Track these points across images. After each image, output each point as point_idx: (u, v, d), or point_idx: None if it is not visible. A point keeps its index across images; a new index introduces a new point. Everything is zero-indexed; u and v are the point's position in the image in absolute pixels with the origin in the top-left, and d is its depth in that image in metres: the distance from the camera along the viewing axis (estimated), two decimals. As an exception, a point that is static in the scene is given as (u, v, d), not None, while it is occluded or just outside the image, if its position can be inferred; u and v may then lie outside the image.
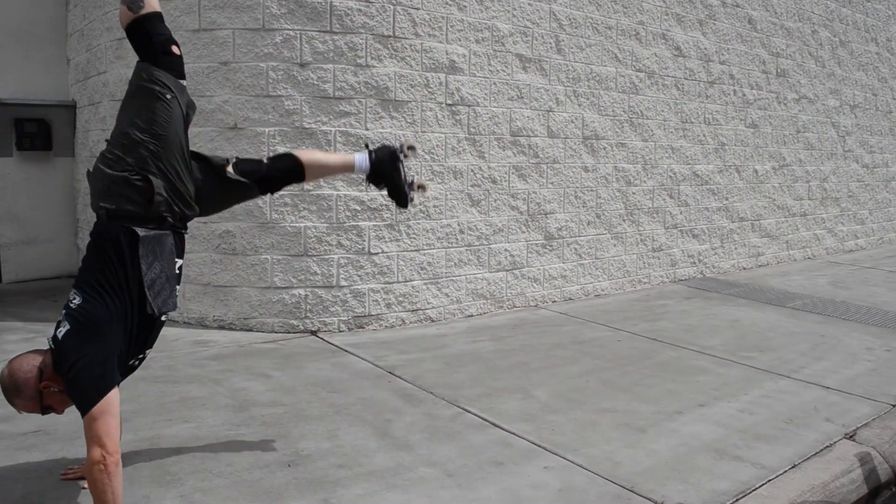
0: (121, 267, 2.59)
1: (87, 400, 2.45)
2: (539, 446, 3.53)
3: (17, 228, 6.98)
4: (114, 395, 2.50)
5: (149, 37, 2.60)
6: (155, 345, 5.07)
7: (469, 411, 3.94)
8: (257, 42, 5.20)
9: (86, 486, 3.02)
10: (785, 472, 3.36)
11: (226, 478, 3.10)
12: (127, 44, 5.62)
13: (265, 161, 3.14)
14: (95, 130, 6.29)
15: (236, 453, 3.34)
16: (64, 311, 2.57)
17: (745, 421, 3.93)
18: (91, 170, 2.73)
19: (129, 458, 3.29)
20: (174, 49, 2.64)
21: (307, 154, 3.26)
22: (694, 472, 3.31)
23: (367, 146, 3.33)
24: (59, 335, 2.51)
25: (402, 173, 3.24)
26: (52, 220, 7.14)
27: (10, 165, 6.85)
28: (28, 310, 5.99)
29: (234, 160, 3.05)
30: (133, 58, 5.63)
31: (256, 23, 5.19)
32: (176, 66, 2.68)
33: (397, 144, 3.27)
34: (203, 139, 5.31)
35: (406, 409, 3.94)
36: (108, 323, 2.54)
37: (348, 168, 3.28)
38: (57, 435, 3.53)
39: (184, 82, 2.76)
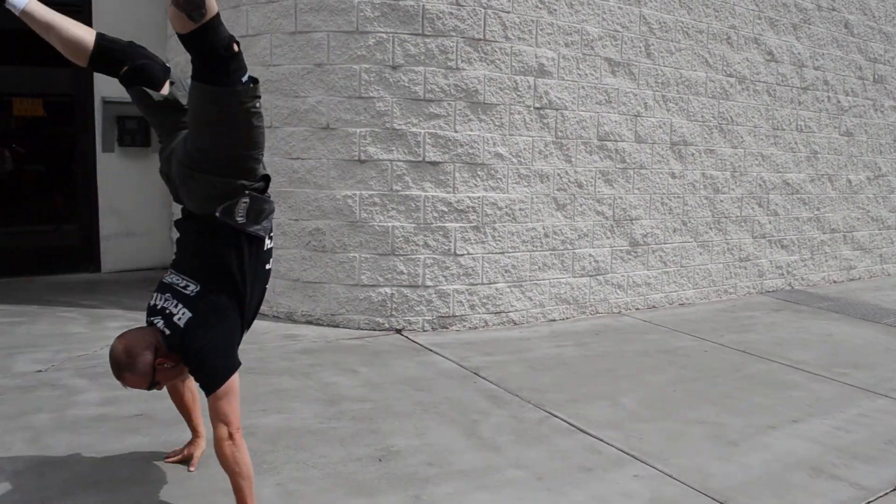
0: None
1: (215, 381, 2.57)
2: (628, 454, 3.49)
3: (116, 221, 7.30)
4: (236, 375, 2.65)
5: (212, 46, 2.29)
6: (246, 336, 5.25)
7: (556, 416, 3.93)
8: (351, 44, 5.31)
9: (192, 468, 3.14)
10: (887, 493, 3.24)
11: (320, 469, 3.17)
12: (226, 45, 5.85)
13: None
14: (193, 129, 6.52)
15: (329, 446, 3.42)
16: (175, 298, 2.64)
17: (843, 439, 3.80)
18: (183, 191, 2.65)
19: (226, 446, 3.41)
20: (236, 47, 2.35)
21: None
22: (789, 489, 3.23)
23: None
24: (180, 321, 2.58)
25: None
26: (149, 213, 7.43)
27: (112, 161, 7.17)
28: (126, 298, 6.26)
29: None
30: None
31: (350, 25, 5.30)
32: (243, 65, 2.41)
33: None
34: (296, 139, 5.45)
35: (492, 411, 3.95)
36: (230, 308, 2.67)
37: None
38: (159, 419, 3.68)
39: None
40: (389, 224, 5.37)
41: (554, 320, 5.99)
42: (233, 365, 2.66)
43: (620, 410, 4.06)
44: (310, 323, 5.53)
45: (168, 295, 2.66)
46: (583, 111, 6.02)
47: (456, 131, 5.42)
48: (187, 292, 2.64)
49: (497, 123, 5.55)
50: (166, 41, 7.40)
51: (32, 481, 2.99)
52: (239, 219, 2.62)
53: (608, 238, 6.28)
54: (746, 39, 7.16)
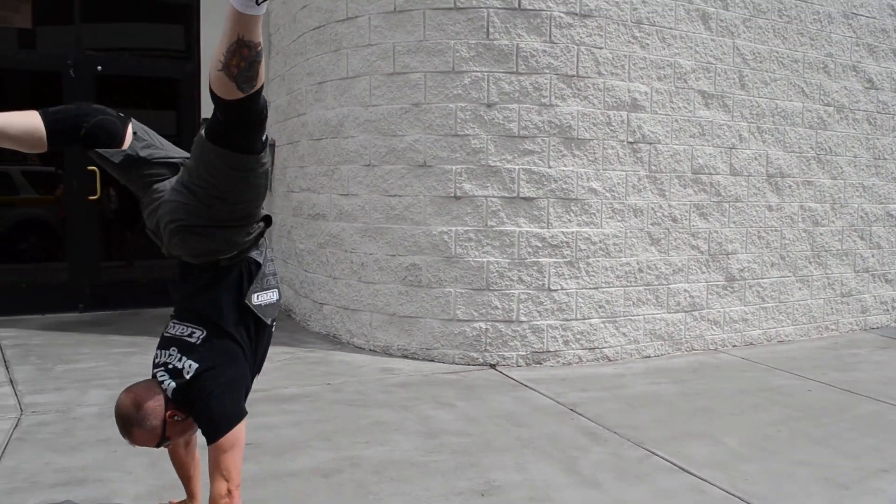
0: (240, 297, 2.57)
1: (220, 429, 2.43)
2: (734, 495, 3.42)
3: (219, 255, 7.62)
4: (243, 427, 2.50)
5: (250, 114, 2.21)
6: (344, 369, 5.40)
7: (656, 454, 3.89)
8: (447, 84, 5.46)
9: None
10: None
11: (425, 501, 3.24)
12: (327, 87, 6.11)
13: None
14: (293, 167, 6.79)
15: (432, 478, 3.48)
16: (181, 351, 2.49)
17: (965, 485, 3.62)
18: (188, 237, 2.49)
19: (332, 475, 3.52)
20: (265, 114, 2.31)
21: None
22: (910, 536, 3.10)
23: None
24: (188, 373, 2.44)
25: None
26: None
27: (216, 198, 7.50)
28: (230, 331, 6.52)
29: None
30: (331, 100, 6.05)
31: (447, 66, 5.45)
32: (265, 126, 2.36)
33: None
34: (394, 176, 5.61)
35: (591, 448, 3.94)
36: (238, 354, 2.54)
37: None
38: (267, 448, 3.82)
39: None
40: (484, 259, 5.45)
41: (648, 357, 5.92)
42: (239, 413, 2.50)
43: (723, 450, 3.98)
44: (405, 357, 5.64)
45: (174, 349, 2.50)
46: (676, 144, 5.99)
47: (550, 167, 5.48)
48: (192, 340, 2.50)
49: (590, 158, 5.59)
50: (268, 84, 7.74)
51: (156, 505, 3.16)
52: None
53: (703, 273, 6.19)
54: (844, 67, 6.99)
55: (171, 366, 2.47)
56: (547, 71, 5.45)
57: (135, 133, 2.58)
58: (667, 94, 5.93)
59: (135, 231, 7.78)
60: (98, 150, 2.50)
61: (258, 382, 5.08)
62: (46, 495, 3.21)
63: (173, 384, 2.44)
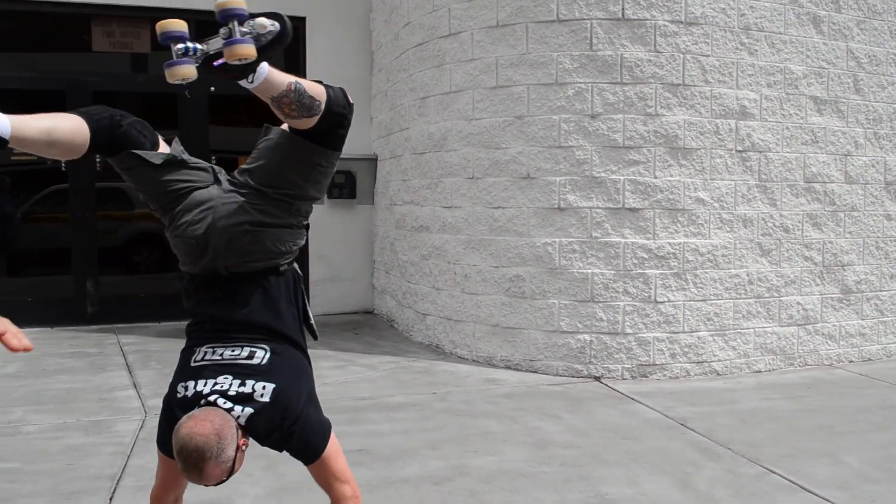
0: (294, 306, 2.43)
1: (322, 442, 2.29)
2: (861, 517, 3.28)
3: (324, 267, 7.86)
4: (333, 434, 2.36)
5: (339, 113, 2.26)
6: (449, 379, 5.45)
7: (774, 472, 3.76)
8: (550, 96, 5.47)
9: None
10: None
11: (537, 513, 3.24)
12: (430, 102, 6.22)
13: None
14: (396, 181, 6.94)
15: (542, 490, 3.48)
16: (241, 376, 2.21)
17: None
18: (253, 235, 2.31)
19: (443, 483, 3.56)
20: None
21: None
22: None
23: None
24: (260, 393, 2.19)
25: None
26: (354, 260, 7.95)
27: (322, 212, 7.75)
28: (336, 340, 6.70)
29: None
30: (434, 114, 6.16)
31: (550, 78, 5.47)
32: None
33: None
34: (497, 188, 5.66)
35: (705, 464, 3.85)
36: (305, 362, 2.41)
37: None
38: (378, 454, 3.91)
39: None
40: (589, 271, 5.41)
41: (759, 371, 5.73)
42: (328, 421, 2.35)
43: (845, 469, 3.82)
44: (508, 368, 5.66)
45: (226, 376, 2.20)
46: (788, 152, 5.80)
47: (655, 177, 5.40)
48: (255, 361, 2.25)
49: (697, 168, 5.48)
50: (370, 100, 7.95)
51: (277, 507, 3.29)
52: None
53: (817, 285, 5.95)
54: (972, 70, 6.60)
55: (231, 392, 2.16)
56: (652, 80, 5.39)
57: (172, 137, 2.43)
58: (777, 101, 5.75)
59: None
60: (136, 151, 2.24)
61: (364, 391, 5.21)
62: (176, 494, 3.38)
63: (249, 410, 2.15)
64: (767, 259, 5.74)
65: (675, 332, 5.44)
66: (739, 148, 5.62)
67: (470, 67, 5.81)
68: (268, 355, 2.26)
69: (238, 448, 2.11)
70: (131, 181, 2.33)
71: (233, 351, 2.26)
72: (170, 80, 2.03)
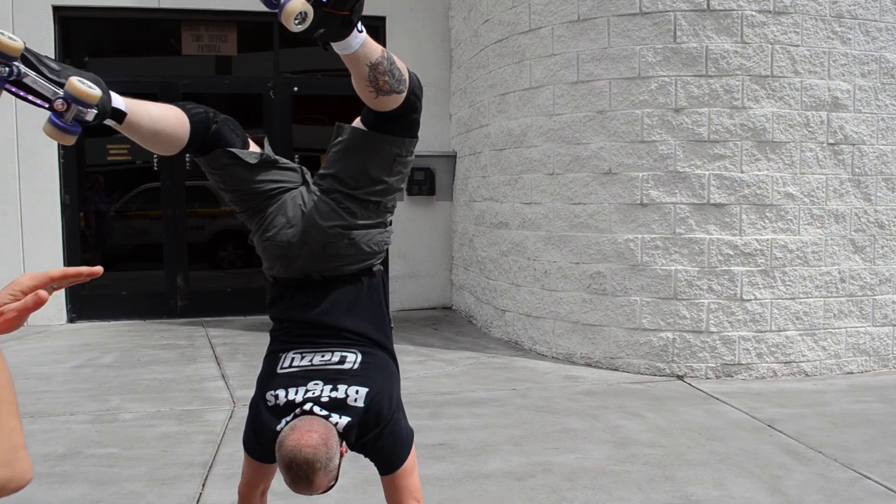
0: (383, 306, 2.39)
1: (404, 451, 2.21)
2: (965, 527, 3.13)
3: (404, 263, 7.96)
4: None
5: (416, 103, 2.20)
6: (530, 375, 5.44)
7: (868, 477, 3.62)
8: (632, 90, 5.39)
9: None
10: None
11: (621, 512, 3.21)
12: (510, 98, 6.22)
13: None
14: (475, 178, 6.96)
15: (626, 489, 3.45)
16: (320, 377, 2.16)
17: None
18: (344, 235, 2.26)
19: (525, 479, 3.57)
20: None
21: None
22: None
23: None
24: (353, 398, 2.13)
25: None
26: (432, 256, 8.01)
27: (401, 208, 7.84)
28: (416, 335, 6.78)
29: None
30: (514, 110, 6.15)
31: (632, 72, 5.39)
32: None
33: None
34: (578, 184, 5.61)
35: (794, 467, 3.74)
36: (394, 368, 2.34)
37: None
38: (459, 449, 3.94)
39: None
40: (672, 268, 5.32)
41: (851, 373, 5.52)
42: (412, 431, 2.28)
43: (948, 477, 3.64)
44: (589, 365, 5.61)
45: (317, 381, 2.15)
46: (883, 145, 5.56)
47: (742, 171, 5.26)
48: (346, 366, 2.19)
49: (787, 162, 5.31)
50: (449, 97, 8.00)
51: (358, 497, 3.35)
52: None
53: (916, 283, 5.69)
54: None
55: (324, 399, 2.10)
56: (738, 72, 5.25)
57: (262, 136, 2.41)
58: (872, 92, 5.52)
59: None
60: (231, 149, 2.18)
61: (444, 385, 5.25)
62: (266, 482, 3.49)
63: (347, 418, 2.08)
64: (861, 256, 5.52)
65: (761, 331, 5.29)
66: (831, 141, 5.41)
67: (550, 63, 5.78)
68: (359, 359, 2.20)
69: (341, 455, 2.06)
70: (221, 181, 2.25)
71: (323, 356, 2.21)
72: (285, 20, 1.74)
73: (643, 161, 5.36)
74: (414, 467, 2.22)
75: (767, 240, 5.28)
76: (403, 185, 2.37)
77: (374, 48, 2.01)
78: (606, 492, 3.42)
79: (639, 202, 5.38)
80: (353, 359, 2.19)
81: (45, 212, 7.36)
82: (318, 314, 2.24)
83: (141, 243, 8.21)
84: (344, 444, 2.10)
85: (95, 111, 1.76)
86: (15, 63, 1.67)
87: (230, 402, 4.78)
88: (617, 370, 5.48)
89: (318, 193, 2.25)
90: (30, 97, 1.72)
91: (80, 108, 1.72)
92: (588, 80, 5.56)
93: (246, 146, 2.24)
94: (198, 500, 3.35)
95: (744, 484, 3.52)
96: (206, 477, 3.60)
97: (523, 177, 6.05)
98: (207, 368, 5.64)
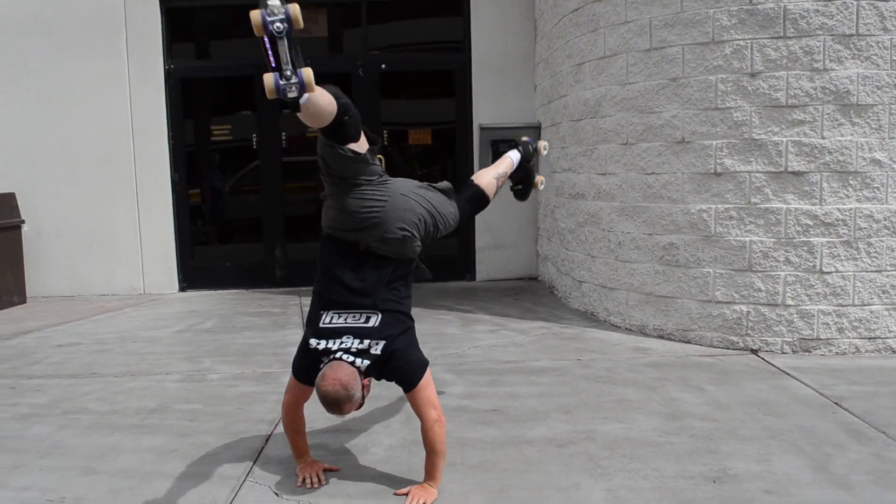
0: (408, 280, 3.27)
1: (417, 373, 3.00)
2: None
3: (489, 235, 8.07)
4: (429, 370, 3.07)
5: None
6: (597, 346, 5.45)
7: (930, 458, 3.46)
8: (706, 56, 5.23)
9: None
10: None
11: (651, 481, 3.24)
12: (585, 68, 6.16)
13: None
14: (556, 148, 6.95)
15: (664, 460, 3.46)
16: (359, 336, 2.95)
17: None
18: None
19: (566, 446, 3.64)
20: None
21: (483, 178, 3.69)
22: None
23: (516, 143, 3.90)
24: (374, 348, 2.93)
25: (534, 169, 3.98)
26: (517, 228, 8.07)
27: (486, 180, 7.94)
28: (495, 305, 6.90)
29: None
30: (590, 80, 6.10)
31: (706, 37, 5.22)
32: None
33: (532, 143, 4.00)
34: (651, 154, 5.52)
35: (850, 446, 3.61)
36: (410, 324, 3.15)
37: (510, 167, 3.85)
38: (511, 415, 4.05)
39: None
40: (746, 238, 5.16)
41: (949, 349, 5.19)
42: (425, 360, 3.07)
43: None
44: (661, 337, 5.55)
45: (347, 336, 2.92)
46: None
47: (823, 137, 5.01)
48: (370, 324, 2.96)
49: (874, 126, 5.01)
50: (534, 68, 7.98)
51: (404, 456, 3.54)
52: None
53: None
54: None
55: (353, 349, 2.90)
56: (820, 32, 4.98)
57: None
58: (979, 47, 5.09)
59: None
60: (350, 147, 2.86)
61: (510, 354, 5.36)
62: (319, 439, 3.75)
63: (367, 362, 2.90)
64: (961, 225, 5.14)
65: (843, 305, 5.06)
66: (928, 102, 5.05)
67: (623, 30, 5.68)
68: (380, 318, 2.99)
69: (363, 387, 2.89)
70: (326, 154, 2.90)
71: (354, 318, 2.99)
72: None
73: (717, 129, 5.20)
74: (428, 384, 3.01)
75: (851, 209, 5.02)
76: (441, 232, 3.30)
77: (325, 115, 2.70)
78: (643, 461, 3.44)
79: (713, 171, 5.23)
80: (375, 319, 2.98)
81: (157, 189, 7.95)
82: (355, 279, 3.02)
83: (250, 217, 8.69)
84: (368, 378, 2.94)
85: (300, 95, 2.41)
86: (287, 27, 2.37)
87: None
88: (689, 342, 5.39)
89: (405, 191, 3.10)
90: (270, 54, 2.37)
91: (296, 86, 2.37)
92: (661, 48, 5.43)
93: (358, 138, 2.87)
94: (259, 452, 3.65)
95: (790, 460, 3.45)
96: (271, 434, 3.89)
97: (598, 147, 6.00)
98: (294, 334, 5.99)
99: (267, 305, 7.32)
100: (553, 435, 3.79)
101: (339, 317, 2.98)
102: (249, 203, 8.41)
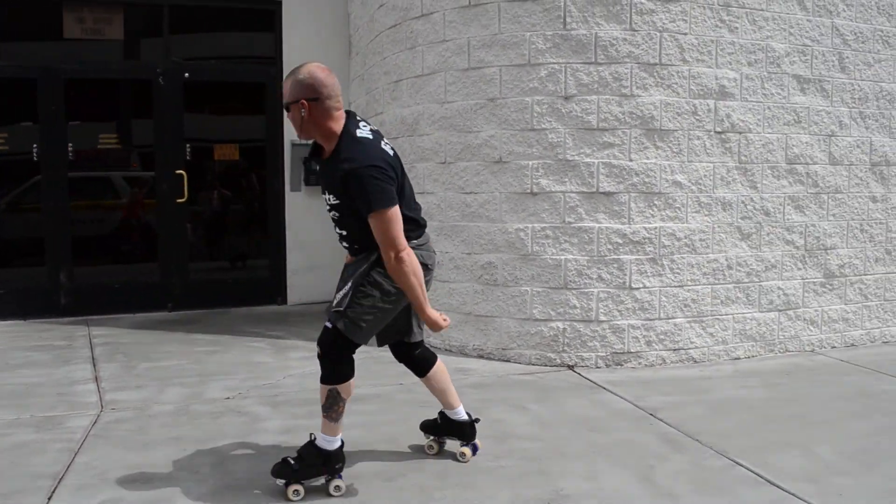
0: None
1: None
2: (825, 512, 3.15)
3: (302, 256, 7.73)
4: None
5: None
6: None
7: (740, 464, 3.63)
8: (523, 77, 5.31)
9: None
10: None
11: (487, 510, 3.12)
12: (403, 85, 6.06)
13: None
14: (371, 166, 6.78)
15: (497, 486, 3.36)
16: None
17: None
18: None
19: (395, 479, 3.44)
20: None
21: (441, 373, 3.79)
22: None
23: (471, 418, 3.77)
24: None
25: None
26: (332, 247, 7.77)
27: (298, 199, 7.62)
28: (309, 329, 6.58)
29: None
30: (407, 98, 5.99)
31: (522, 59, 5.30)
32: None
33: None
34: (469, 173, 5.51)
35: (670, 456, 3.73)
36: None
37: (449, 405, 3.76)
38: (334, 450, 3.78)
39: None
40: (562, 257, 5.27)
41: (738, 358, 5.60)
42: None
43: (815, 461, 3.68)
44: (481, 357, 5.53)
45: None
46: (769, 133, 5.63)
47: (631, 160, 5.25)
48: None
49: (675, 150, 5.32)
50: (349, 84, 7.79)
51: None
52: None
53: (799, 269, 5.80)
54: (962, 47, 6.40)
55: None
56: (627, 60, 5.22)
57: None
58: (758, 80, 5.58)
59: (227, 233, 7.98)
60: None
61: (315, 392, 5.05)
62: (113, 492, 3.27)
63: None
64: (747, 243, 5.59)
65: (650, 319, 5.30)
66: (718, 129, 5.46)
67: (442, 49, 5.65)
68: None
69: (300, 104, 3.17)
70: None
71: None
72: None
73: (533, 149, 5.29)
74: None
75: (656, 228, 5.29)
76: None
77: None
78: (476, 489, 3.32)
79: (529, 191, 5.31)
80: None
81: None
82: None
83: (30, 237, 7.70)
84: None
85: None
86: None
87: (97, 407, 4.50)
88: (509, 361, 5.41)
89: None
90: None
91: None
92: (479, 67, 5.46)
93: None
94: (41, 515, 3.11)
95: (617, 475, 3.48)
96: (54, 489, 3.35)
97: (416, 166, 5.92)
98: (81, 370, 5.33)
99: (49, 338, 6.49)
100: (380, 468, 3.57)
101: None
102: (31, 222, 7.46)
